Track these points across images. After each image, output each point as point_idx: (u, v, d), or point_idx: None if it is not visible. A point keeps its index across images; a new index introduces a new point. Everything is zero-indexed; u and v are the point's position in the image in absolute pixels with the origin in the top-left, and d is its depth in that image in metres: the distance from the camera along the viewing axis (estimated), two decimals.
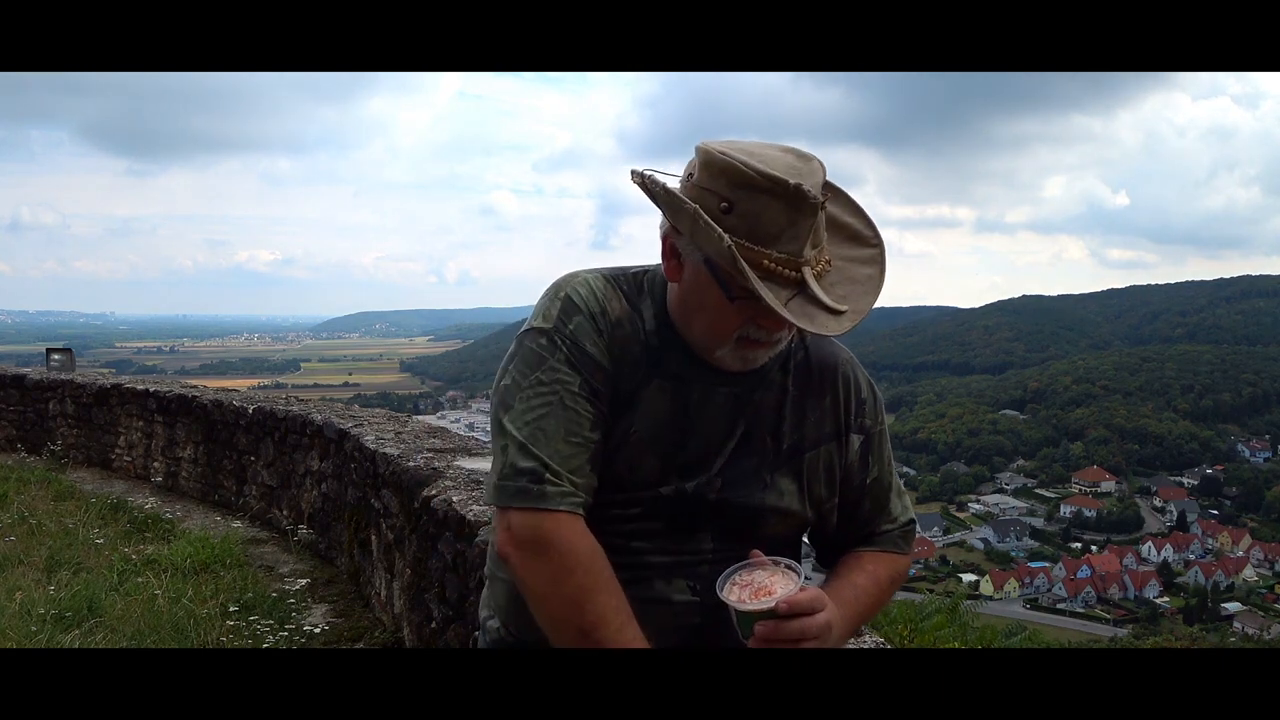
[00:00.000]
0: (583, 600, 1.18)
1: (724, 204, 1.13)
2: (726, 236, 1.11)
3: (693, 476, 1.27)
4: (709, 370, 1.28)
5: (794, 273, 1.14)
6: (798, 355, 1.34)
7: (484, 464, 3.90)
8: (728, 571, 1.25)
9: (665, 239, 1.25)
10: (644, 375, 1.27)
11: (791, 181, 1.11)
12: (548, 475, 1.19)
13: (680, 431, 1.27)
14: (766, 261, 1.13)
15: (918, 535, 1.50)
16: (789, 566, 1.24)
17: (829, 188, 1.21)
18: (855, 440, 1.36)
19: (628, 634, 1.18)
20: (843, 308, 1.15)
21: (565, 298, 1.27)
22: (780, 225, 1.13)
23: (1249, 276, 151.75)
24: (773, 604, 1.19)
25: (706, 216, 1.13)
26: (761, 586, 1.22)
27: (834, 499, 1.36)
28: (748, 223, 1.13)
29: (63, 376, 8.79)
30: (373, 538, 4.40)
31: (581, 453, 1.22)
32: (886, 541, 1.40)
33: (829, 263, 1.19)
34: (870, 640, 2.18)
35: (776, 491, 1.30)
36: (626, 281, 1.33)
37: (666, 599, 1.28)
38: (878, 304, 1.20)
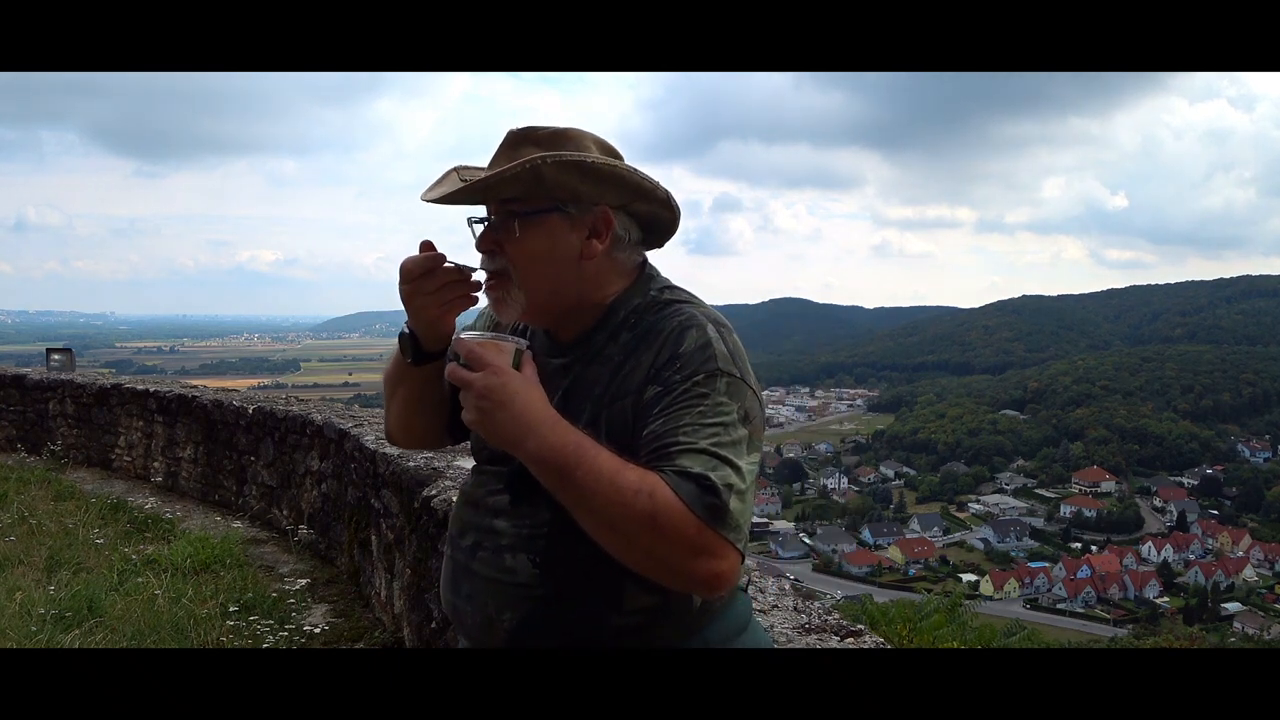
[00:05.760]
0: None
1: None
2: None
3: None
4: (553, 344, 1.41)
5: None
6: (630, 324, 1.35)
7: None
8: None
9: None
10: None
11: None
12: None
13: None
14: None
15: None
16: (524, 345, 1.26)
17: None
18: (651, 390, 1.27)
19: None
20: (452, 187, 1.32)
21: None
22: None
23: (1249, 276, 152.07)
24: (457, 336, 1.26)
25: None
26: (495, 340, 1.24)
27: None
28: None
29: (63, 376, 8.79)
30: (373, 538, 4.40)
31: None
32: (667, 474, 1.19)
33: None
34: (870, 640, 2.18)
35: None
36: None
37: (513, 571, 1.32)
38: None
